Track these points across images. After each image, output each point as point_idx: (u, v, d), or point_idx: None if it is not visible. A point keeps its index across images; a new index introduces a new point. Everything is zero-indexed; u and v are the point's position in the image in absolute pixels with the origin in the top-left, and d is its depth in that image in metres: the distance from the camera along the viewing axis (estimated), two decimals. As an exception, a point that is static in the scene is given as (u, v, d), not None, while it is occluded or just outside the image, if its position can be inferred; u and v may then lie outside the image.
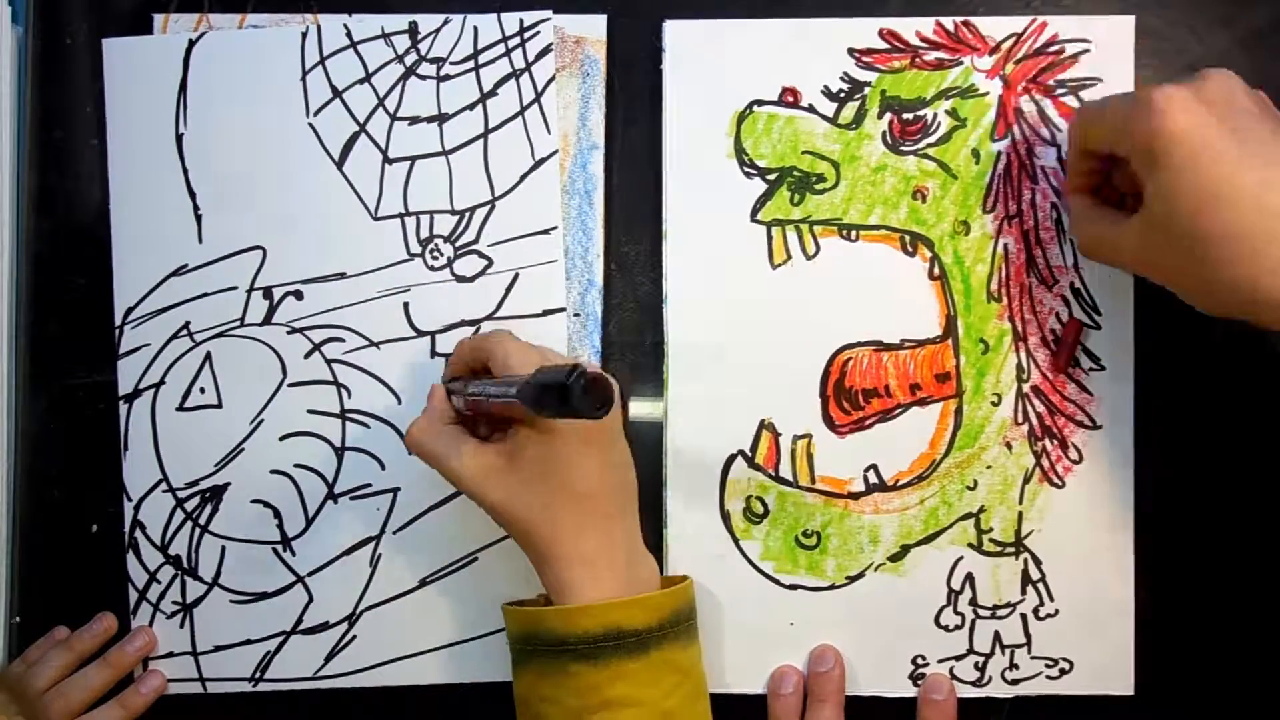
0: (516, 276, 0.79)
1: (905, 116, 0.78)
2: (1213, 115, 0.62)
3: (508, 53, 0.79)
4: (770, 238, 0.79)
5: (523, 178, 0.79)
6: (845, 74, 0.78)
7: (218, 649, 0.79)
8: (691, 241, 0.79)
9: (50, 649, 0.79)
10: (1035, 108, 0.78)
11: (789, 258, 0.79)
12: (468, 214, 0.79)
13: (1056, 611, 0.78)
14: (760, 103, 0.79)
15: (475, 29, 0.78)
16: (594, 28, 0.79)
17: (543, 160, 0.79)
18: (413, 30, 0.78)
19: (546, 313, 0.79)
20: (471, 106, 0.79)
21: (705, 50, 0.78)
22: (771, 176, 0.79)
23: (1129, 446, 0.78)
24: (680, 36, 0.79)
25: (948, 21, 0.78)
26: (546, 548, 0.68)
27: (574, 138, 0.79)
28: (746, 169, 0.79)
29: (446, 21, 0.78)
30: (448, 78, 0.79)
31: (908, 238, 0.78)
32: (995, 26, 0.78)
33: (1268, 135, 0.62)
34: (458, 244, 0.79)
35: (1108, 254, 0.71)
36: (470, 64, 0.79)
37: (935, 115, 0.78)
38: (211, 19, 0.80)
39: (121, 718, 0.78)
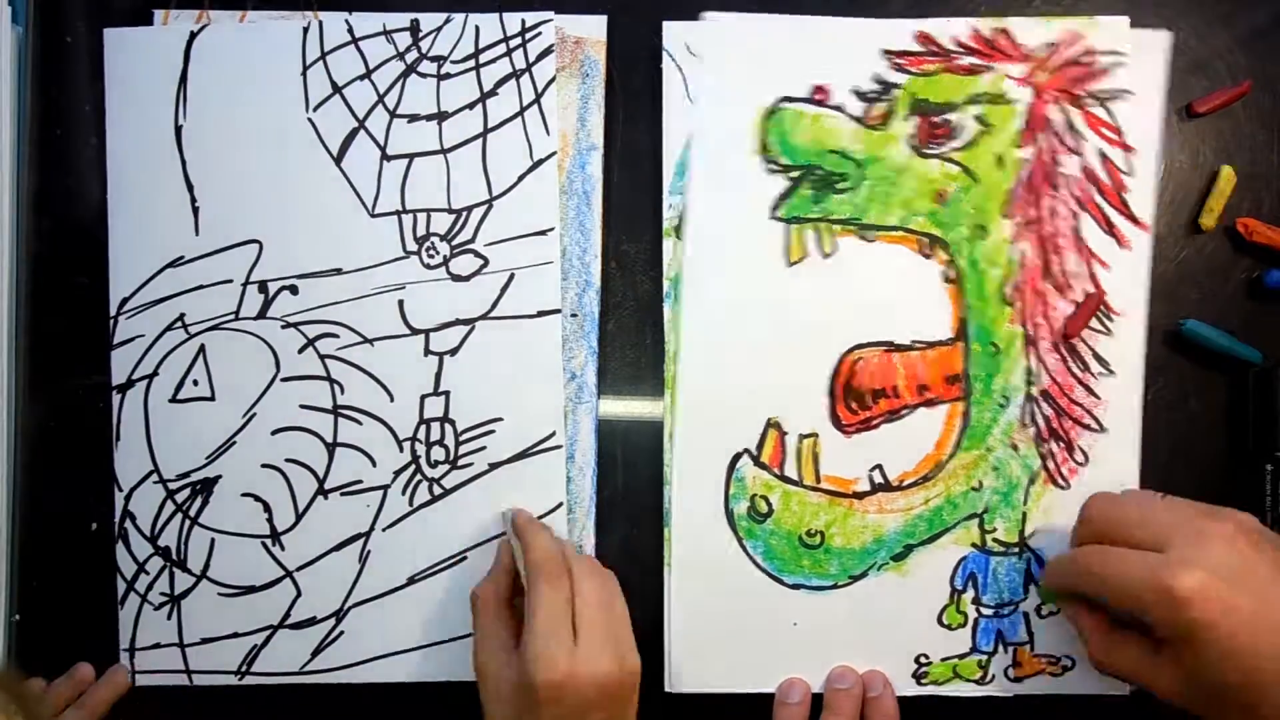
0: (512, 276, 0.82)
1: (933, 120, 0.81)
2: (1238, 591, 0.64)
3: (509, 53, 0.82)
4: (789, 235, 0.81)
5: (520, 178, 0.82)
6: (877, 75, 0.81)
7: (204, 641, 0.82)
8: (709, 236, 0.81)
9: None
10: (1063, 117, 0.81)
11: (806, 255, 0.81)
12: (465, 213, 0.82)
13: (1058, 610, 0.80)
14: (789, 99, 0.81)
15: (477, 28, 0.82)
16: (594, 29, 0.83)
17: (541, 161, 0.82)
18: (414, 28, 0.82)
19: (541, 314, 0.82)
20: (471, 106, 0.82)
21: (736, 44, 0.81)
22: (795, 174, 0.81)
23: (1135, 450, 0.80)
24: (712, 29, 0.81)
25: (984, 27, 0.81)
26: None
27: (573, 138, 0.82)
28: (770, 165, 0.81)
29: (448, 20, 0.82)
30: (448, 76, 0.82)
31: (926, 240, 0.81)
32: (1030, 35, 0.81)
33: None
34: (454, 243, 0.82)
35: (1135, 679, 0.72)
36: (471, 63, 0.82)
37: (963, 120, 0.81)
38: (211, 16, 0.83)
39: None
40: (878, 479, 0.81)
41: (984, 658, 0.81)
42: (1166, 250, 0.81)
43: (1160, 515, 0.69)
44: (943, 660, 0.81)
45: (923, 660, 0.81)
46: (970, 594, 0.81)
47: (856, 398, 0.81)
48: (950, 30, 0.81)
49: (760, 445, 0.81)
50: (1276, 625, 0.63)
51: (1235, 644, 0.63)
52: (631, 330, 0.83)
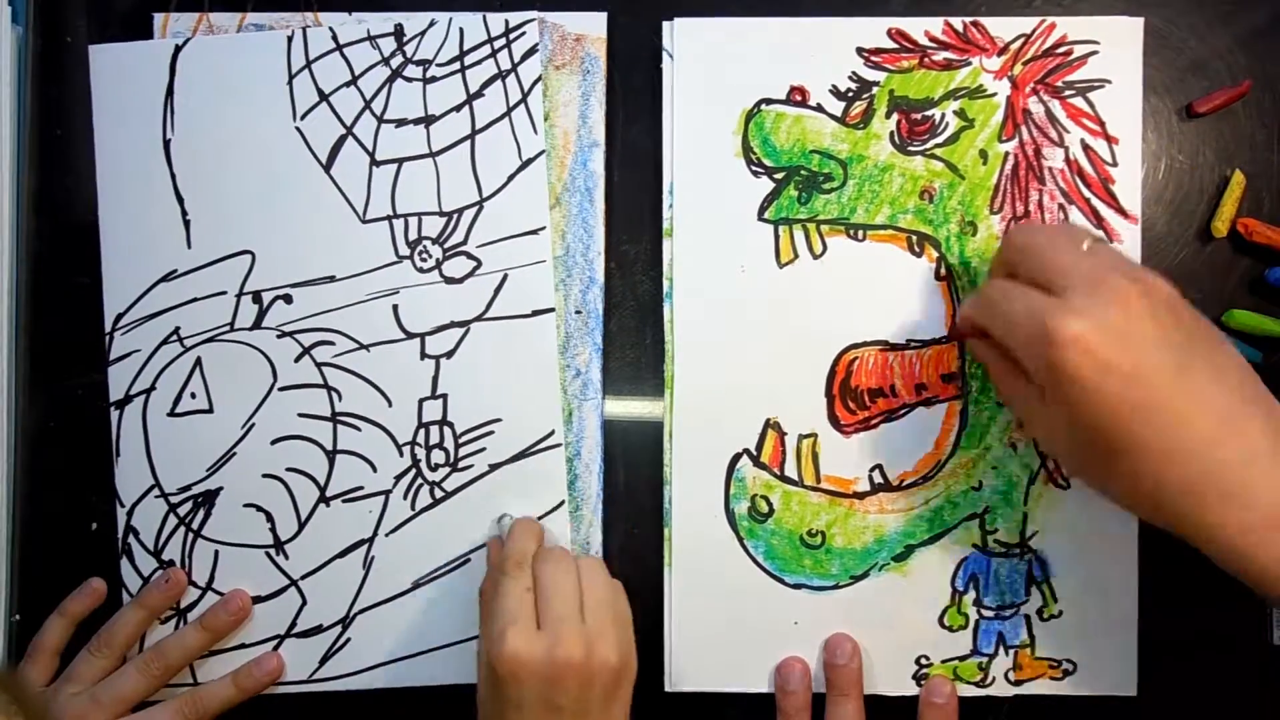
0: (505, 277, 0.81)
1: (913, 116, 0.80)
2: (1120, 350, 0.63)
3: (494, 54, 0.81)
4: (777, 237, 0.81)
5: (510, 178, 0.81)
6: (854, 73, 0.81)
7: (212, 653, 0.83)
8: (698, 239, 0.81)
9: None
10: (1043, 109, 0.80)
11: (796, 257, 0.81)
12: (456, 215, 0.82)
13: (1060, 613, 0.81)
14: (769, 101, 0.81)
15: (461, 30, 0.81)
16: (594, 25, 0.82)
17: (530, 160, 0.81)
18: (398, 32, 0.81)
19: (536, 313, 0.82)
20: (458, 108, 0.81)
21: (713, 48, 0.81)
22: (779, 175, 0.81)
23: (1134, 448, 0.80)
24: (688, 34, 0.81)
25: (956, 22, 0.80)
26: None
27: (574, 135, 0.82)
28: (754, 167, 0.81)
29: (432, 23, 0.81)
30: (434, 79, 0.82)
31: (915, 238, 0.81)
32: (1004, 27, 0.80)
33: (1173, 364, 0.64)
34: (446, 245, 0.82)
35: (1023, 416, 0.74)
36: (456, 65, 0.81)
37: (943, 115, 0.80)
38: (212, 18, 0.82)
39: (207, 640, 0.82)
40: (878, 479, 0.81)
41: (984, 660, 0.81)
42: (1167, 250, 0.80)
43: (1070, 257, 0.67)
44: (943, 662, 0.81)
45: (923, 661, 0.81)
46: (971, 595, 0.81)
47: (854, 398, 0.81)
48: (923, 25, 0.80)
49: (760, 445, 0.81)
50: (1146, 394, 0.63)
51: (1099, 398, 0.63)
52: (632, 330, 0.83)
